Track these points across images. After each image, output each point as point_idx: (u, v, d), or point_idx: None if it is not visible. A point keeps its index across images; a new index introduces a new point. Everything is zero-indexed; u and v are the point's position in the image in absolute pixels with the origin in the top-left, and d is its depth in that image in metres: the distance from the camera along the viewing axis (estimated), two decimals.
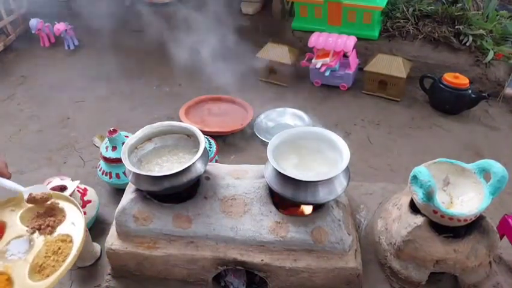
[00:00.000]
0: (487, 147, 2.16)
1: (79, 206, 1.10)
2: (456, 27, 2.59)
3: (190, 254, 1.24)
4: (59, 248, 1.01)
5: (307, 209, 1.32)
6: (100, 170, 1.80)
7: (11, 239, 1.06)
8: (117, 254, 1.28)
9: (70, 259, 0.97)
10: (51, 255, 0.99)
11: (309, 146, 1.33)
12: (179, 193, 1.28)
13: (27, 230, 1.07)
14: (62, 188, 1.50)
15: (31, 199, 1.10)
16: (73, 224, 1.06)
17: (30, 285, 0.95)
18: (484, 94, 2.31)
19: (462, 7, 2.71)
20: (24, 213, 1.12)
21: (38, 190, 1.12)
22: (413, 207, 1.25)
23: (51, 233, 1.05)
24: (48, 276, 0.95)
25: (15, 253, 1.02)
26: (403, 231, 1.21)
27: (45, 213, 1.11)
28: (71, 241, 1.02)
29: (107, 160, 1.73)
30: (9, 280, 0.96)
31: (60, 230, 1.06)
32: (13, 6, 3.19)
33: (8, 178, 1.16)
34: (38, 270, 0.98)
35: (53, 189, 1.50)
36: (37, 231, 1.06)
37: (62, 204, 1.12)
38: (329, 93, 2.60)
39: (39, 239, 1.04)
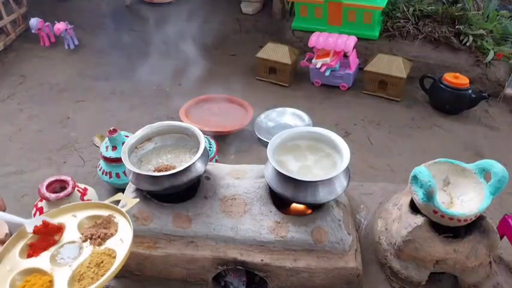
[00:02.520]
0: (487, 147, 2.16)
1: (131, 224, 1.08)
2: (456, 27, 2.59)
3: (190, 254, 1.24)
4: (102, 262, 1.00)
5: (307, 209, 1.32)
6: (100, 170, 1.80)
7: (65, 243, 1.07)
8: None
9: (107, 275, 0.96)
10: (93, 267, 1.00)
11: (309, 146, 1.33)
12: (180, 193, 1.28)
13: (80, 237, 1.08)
14: (62, 187, 1.51)
15: (39, 230, 1.06)
16: (121, 241, 1.05)
17: None
18: (484, 94, 2.31)
19: (462, 7, 2.71)
20: (84, 220, 1.13)
21: (38, 222, 1.07)
22: (413, 207, 1.25)
23: (100, 244, 1.05)
24: (84, 287, 0.96)
25: (64, 257, 1.04)
26: (403, 231, 1.21)
27: (101, 224, 1.10)
28: (114, 257, 1.02)
29: (107, 160, 1.73)
30: (51, 282, 0.97)
31: (108, 243, 1.05)
32: (13, 6, 3.19)
33: (3, 210, 1.13)
34: (78, 279, 0.98)
35: (52, 184, 1.50)
36: (88, 240, 1.06)
37: (118, 218, 1.12)
38: (329, 93, 2.60)
39: (87, 249, 1.05)
